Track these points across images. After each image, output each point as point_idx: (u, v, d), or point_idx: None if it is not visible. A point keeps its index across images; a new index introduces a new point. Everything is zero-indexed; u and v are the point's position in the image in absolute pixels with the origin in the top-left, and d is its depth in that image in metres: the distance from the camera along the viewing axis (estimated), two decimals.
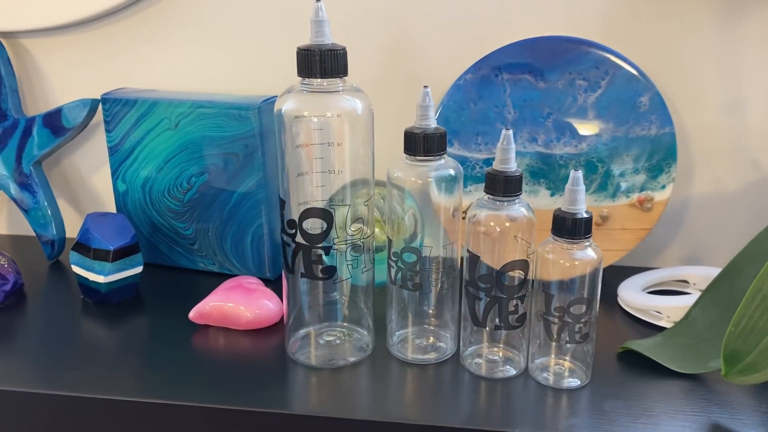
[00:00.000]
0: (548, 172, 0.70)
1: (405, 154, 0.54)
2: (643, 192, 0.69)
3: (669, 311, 0.63)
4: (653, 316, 0.64)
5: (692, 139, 0.71)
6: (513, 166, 0.52)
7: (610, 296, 0.67)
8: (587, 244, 0.52)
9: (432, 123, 0.53)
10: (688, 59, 0.69)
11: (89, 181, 0.82)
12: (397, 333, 0.59)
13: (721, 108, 0.70)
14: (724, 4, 0.67)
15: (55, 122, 0.75)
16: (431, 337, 0.59)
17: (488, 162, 0.70)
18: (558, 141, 0.70)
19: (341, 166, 0.54)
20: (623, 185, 0.69)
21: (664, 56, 0.69)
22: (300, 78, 0.52)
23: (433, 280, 0.56)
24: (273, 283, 0.71)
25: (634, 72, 0.67)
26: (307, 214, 0.54)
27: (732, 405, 0.52)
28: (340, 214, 0.55)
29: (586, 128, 0.69)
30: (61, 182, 0.83)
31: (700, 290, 0.65)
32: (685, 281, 0.69)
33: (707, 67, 0.69)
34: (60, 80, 0.79)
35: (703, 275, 0.68)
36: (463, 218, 0.56)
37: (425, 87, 0.53)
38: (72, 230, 0.80)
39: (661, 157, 0.68)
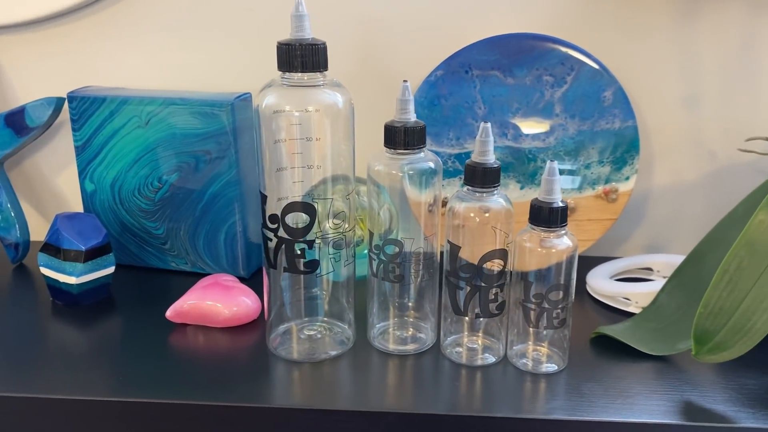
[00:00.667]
0: (518, 166, 0.72)
1: (385, 148, 0.55)
2: (609, 183, 0.72)
3: (637, 297, 0.65)
4: (622, 303, 0.66)
5: (653, 133, 0.74)
6: (491, 158, 0.53)
7: (579, 285, 0.69)
8: (563, 232, 0.53)
9: (412, 117, 0.54)
10: (648, 56, 0.72)
11: (54, 182, 0.81)
12: (378, 325, 0.60)
13: (679, 102, 0.73)
14: (682, 2, 0.70)
15: (18, 121, 0.73)
16: (411, 329, 0.60)
17: (459, 157, 0.72)
18: (526, 135, 0.71)
19: (321, 161, 0.55)
20: (589, 177, 0.72)
21: (626, 53, 0.72)
22: (280, 72, 0.52)
23: (414, 271, 0.57)
24: (248, 281, 0.70)
25: (598, 68, 0.70)
26: (290, 208, 0.54)
27: (701, 383, 0.54)
28: (321, 208, 0.55)
29: (554, 122, 0.71)
30: (24, 183, 0.81)
31: (664, 277, 0.68)
32: (649, 269, 0.72)
33: (666, 63, 0.72)
34: (23, 78, 0.77)
35: (666, 262, 0.71)
36: (442, 211, 0.57)
37: (405, 81, 0.54)
38: (36, 233, 0.78)
39: (624, 149, 0.71)
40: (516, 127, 0.71)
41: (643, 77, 0.72)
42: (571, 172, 0.71)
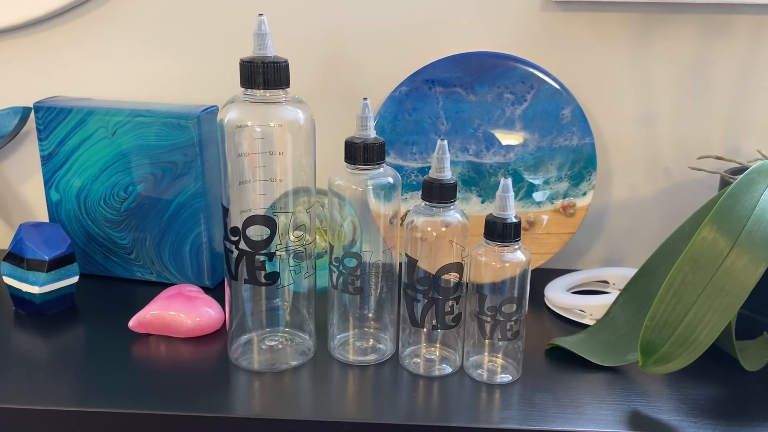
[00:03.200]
0: (479, 180, 0.74)
1: (345, 163, 0.56)
2: (566, 198, 0.74)
3: (591, 309, 0.67)
4: (577, 315, 0.68)
5: (610, 149, 0.77)
6: (448, 175, 0.55)
7: (537, 297, 0.71)
8: (516, 247, 0.55)
9: (371, 133, 0.56)
10: (605, 76, 0.74)
11: (19, 191, 0.81)
12: (338, 336, 0.61)
13: (635, 121, 0.76)
14: (636, 24, 0.73)
15: None
16: (371, 340, 0.61)
17: (422, 170, 0.73)
18: (488, 151, 0.73)
19: (283, 174, 0.56)
20: (548, 192, 0.74)
21: (584, 72, 0.74)
22: (243, 89, 0.54)
23: (373, 284, 0.59)
24: (213, 291, 0.71)
25: (557, 86, 0.72)
26: (251, 221, 0.55)
27: (649, 393, 0.56)
28: (282, 221, 0.56)
29: (513, 138, 0.73)
30: None
31: (619, 289, 0.70)
32: (606, 281, 0.74)
33: (623, 83, 0.74)
34: None
35: (621, 275, 0.73)
36: (401, 224, 0.59)
37: (365, 99, 0.55)
38: (0, 242, 0.78)
39: (582, 165, 0.73)
40: (477, 143, 0.73)
41: (601, 96, 0.75)
42: (531, 187, 0.73)
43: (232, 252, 0.56)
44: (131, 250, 0.73)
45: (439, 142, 0.54)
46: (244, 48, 0.54)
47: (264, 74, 0.52)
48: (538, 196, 0.73)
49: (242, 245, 0.55)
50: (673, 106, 0.75)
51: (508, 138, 0.73)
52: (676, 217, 0.75)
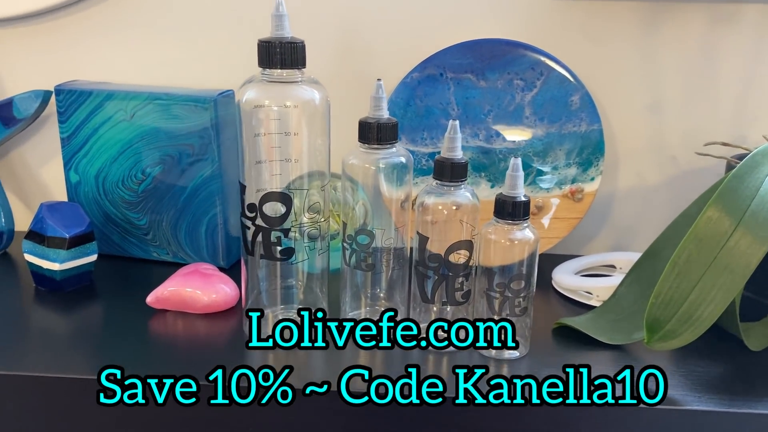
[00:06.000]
0: (489, 166, 0.75)
1: (359, 143, 0.58)
2: (575, 184, 0.75)
3: (598, 291, 0.68)
4: (584, 296, 0.69)
5: (617, 136, 0.78)
6: (459, 154, 0.56)
7: (545, 281, 0.73)
8: (525, 225, 0.57)
9: (385, 113, 0.57)
10: (614, 63, 0.75)
11: (39, 173, 0.83)
12: (350, 314, 0.62)
13: (643, 108, 0.77)
14: (644, 13, 0.74)
15: (5, 113, 0.75)
16: None
17: (433, 156, 0.75)
18: (498, 136, 0.75)
19: (298, 155, 0.57)
20: (557, 177, 0.75)
21: (593, 60, 0.75)
22: (260, 69, 0.55)
23: (385, 262, 0.60)
24: (228, 271, 0.73)
25: (566, 74, 0.73)
26: (267, 198, 0.56)
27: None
28: (297, 201, 0.58)
29: (524, 124, 0.74)
30: (10, 174, 0.83)
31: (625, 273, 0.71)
32: (612, 266, 0.76)
33: (631, 70, 0.76)
34: (11, 71, 0.79)
35: (627, 260, 0.74)
36: (413, 206, 0.60)
37: (378, 80, 0.57)
38: (20, 223, 0.80)
39: (590, 151, 0.74)
40: (488, 129, 0.74)
41: (609, 83, 0.76)
42: (540, 172, 0.75)
43: (248, 228, 0.58)
44: (148, 230, 0.75)
45: (451, 122, 0.56)
46: (260, 34, 0.55)
47: (281, 54, 0.54)
48: (544, 182, 0.74)
49: (258, 221, 0.57)
50: (680, 94, 0.76)
51: (519, 124, 0.74)
52: (683, 203, 0.76)
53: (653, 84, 0.76)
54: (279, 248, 0.58)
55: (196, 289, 0.64)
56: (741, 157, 0.70)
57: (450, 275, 0.57)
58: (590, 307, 0.68)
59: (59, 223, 0.68)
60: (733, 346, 0.60)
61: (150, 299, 0.65)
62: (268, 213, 0.57)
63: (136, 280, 0.72)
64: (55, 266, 0.67)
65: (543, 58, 0.73)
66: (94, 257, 0.70)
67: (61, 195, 0.81)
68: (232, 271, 0.73)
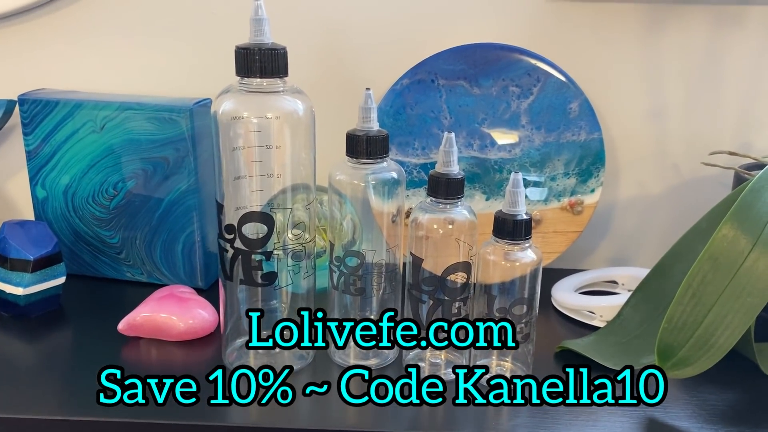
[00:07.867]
0: (483, 176, 0.71)
1: (347, 157, 0.53)
2: (574, 196, 0.71)
3: (602, 311, 0.65)
4: (586, 316, 0.65)
5: (618, 145, 0.74)
6: (455, 169, 0.52)
7: (544, 298, 0.69)
8: (527, 245, 0.53)
9: (374, 125, 0.53)
10: (614, 69, 0.72)
11: (3, 188, 0.78)
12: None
13: (644, 116, 0.73)
14: (646, 15, 0.70)
15: None
16: None
17: (425, 167, 0.71)
18: (492, 146, 0.71)
19: (281, 169, 0.53)
20: (555, 189, 0.71)
21: (593, 65, 0.72)
22: (238, 78, 0.51)
23: (375, 284, 0.56)
24: (206, 293, 0.68)
25: (564, 80, 0.69)
26: (247, 218, 0.52)
27: (665, 399, 0.54)
28: (280, 219, 0.53)
29: (520, 133, 0.70)
30: None
31: (629, 290, 0.67)
32: (614, 282, 0.72)
33: (632, 76, 0.72)
34: None
35: (630, 275, 0.71)
36: (406, 222, 0.56)
37: (367, 89, 0.52)
38: None
39: (590, 161, 0.70)
40: (482, 138, 0.70)
41: (609, 90, 0.72)
42: (536, 184, 0.71)
43: (226, 251, 0.53)
44: (121, 249, 0.70)
45: (446, 134, 0.51)
46: (239, 40, 0.51)
47: (261, 61, 0.49)
48: (535, 193, 0.70)
49: (238, 243, 0.52)
50: (683, 101, 0.72)
51: (514, 133, 0.70)
52: (687, 215, 0.73)
53: (655, 90, 0.72)
54: (260, 272, 0.53)
55: (172, 314, 0.60)
56: (749, 167, 0.67)
57: (446, 299, 0.53)
58: (593, 328, 0.64)
59: (23, 243, 0.63)
60: (748, 369, 0.57)
61: (122, 326, 0.60)
62: (248, 234, 0.52)
63: (108, 304, 0.67)
64: (19, 291, 0.62)
65: (540, 64, 0.69)
66: (61, 280, 0.65)
67: (27, 212, 0.76)
68: (210, 292, 0.68)
